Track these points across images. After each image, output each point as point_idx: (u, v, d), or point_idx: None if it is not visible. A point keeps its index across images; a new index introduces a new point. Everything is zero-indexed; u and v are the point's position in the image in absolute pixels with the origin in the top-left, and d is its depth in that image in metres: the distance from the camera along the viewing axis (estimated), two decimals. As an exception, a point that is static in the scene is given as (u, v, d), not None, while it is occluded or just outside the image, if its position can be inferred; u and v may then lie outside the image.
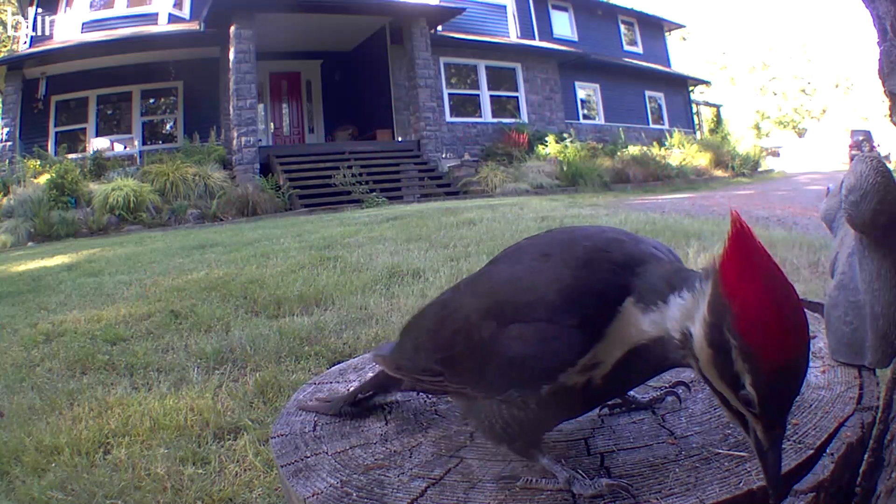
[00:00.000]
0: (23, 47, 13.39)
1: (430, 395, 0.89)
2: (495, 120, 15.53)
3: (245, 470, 1.71)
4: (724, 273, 0.48)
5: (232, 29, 11.87)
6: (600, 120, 17.88)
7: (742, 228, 0.47)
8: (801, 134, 36.62)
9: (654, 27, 20.76)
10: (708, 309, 0.49)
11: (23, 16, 13.71)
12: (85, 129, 13.22)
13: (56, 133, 13.01)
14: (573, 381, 0.58)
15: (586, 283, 0.59)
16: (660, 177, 14.78)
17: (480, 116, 15.63)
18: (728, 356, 0.48)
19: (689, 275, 0.54)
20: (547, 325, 0.58)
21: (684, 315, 0.52)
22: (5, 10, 17.11)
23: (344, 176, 11.71)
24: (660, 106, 19.61)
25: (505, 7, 16.64)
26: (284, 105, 15.76)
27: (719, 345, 0.49)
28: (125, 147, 12.93)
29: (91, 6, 13.60)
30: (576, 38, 17.97)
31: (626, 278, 0.58)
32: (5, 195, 10.55)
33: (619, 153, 15.33)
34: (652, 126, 18.74)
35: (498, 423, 0.67)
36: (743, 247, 0.47)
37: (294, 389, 1.31)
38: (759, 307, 0.46)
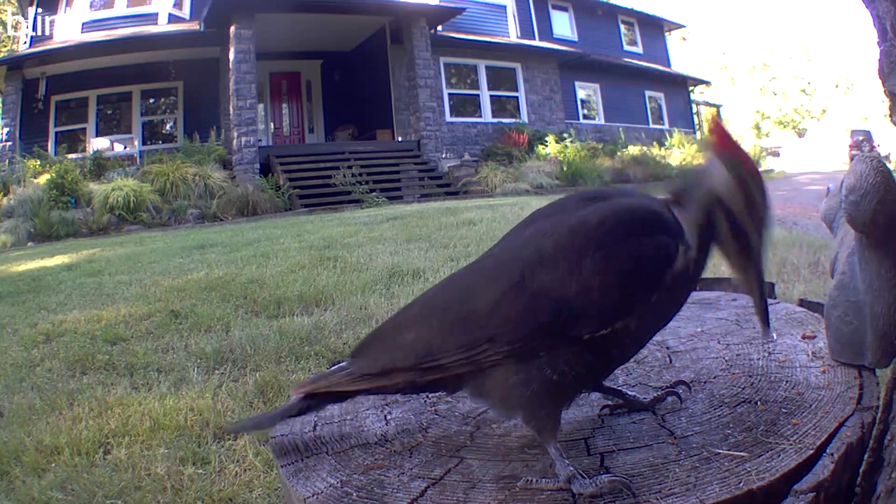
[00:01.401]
0: (23, 47, 13.39)
1: (417, 392, 0.82)
2: (495, 120, 15.52)
3: (245, 470, 1.71)
4: (725, 151, 0.71)
5: (232, 29, 11.87)
6: (600, 120, 17.87)
7: (720, 127, 0.72)
8: (801, 134, 36.63)
9: (654, 27, 20.75)
10: (725, 166, 0.70)
11: (23, 16, 13.71)
12: (85, 129, 13.21)
13: (56, 133, 13.00)
14: (677, 270, 0.69)
15: (651, 200, 0.73)
16: (660, 177, 14.76)
17: (480, 116, 15.63)
18: (744, 184, 0.70)
19: (685, 181, 0.74)
20: (643, 235, 0.68)
21: (708, 187, 0.71)
22: (5, 10, 17.12)
23: (344, 176, 11.70)
24: (660, 106, 19.60)
25: (505, 7, 16.63)
26: (284, 105, 15.75)
27: (741, 183, 0.70)
28: (125, 147, 12.92)
29: (91, 6, 13.60)
30: (576, 38, 17.96)
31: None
32: (5, 195, 10.54)
33: (619, 153, 15.34)
34: (652, 126, 18.73)
35: (536, 386, 0.68)
36: (727, 135, 0.71)
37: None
38: (749, 160, 0.71)
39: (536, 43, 16.61)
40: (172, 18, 13.74)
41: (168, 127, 14.30)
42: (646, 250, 0.68)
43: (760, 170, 0.74)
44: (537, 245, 0.70)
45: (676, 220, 0.70)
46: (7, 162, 11.69)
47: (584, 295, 0.66)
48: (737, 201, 0.71)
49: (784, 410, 0.74)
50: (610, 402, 0.82)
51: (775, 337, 0.82)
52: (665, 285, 0.68)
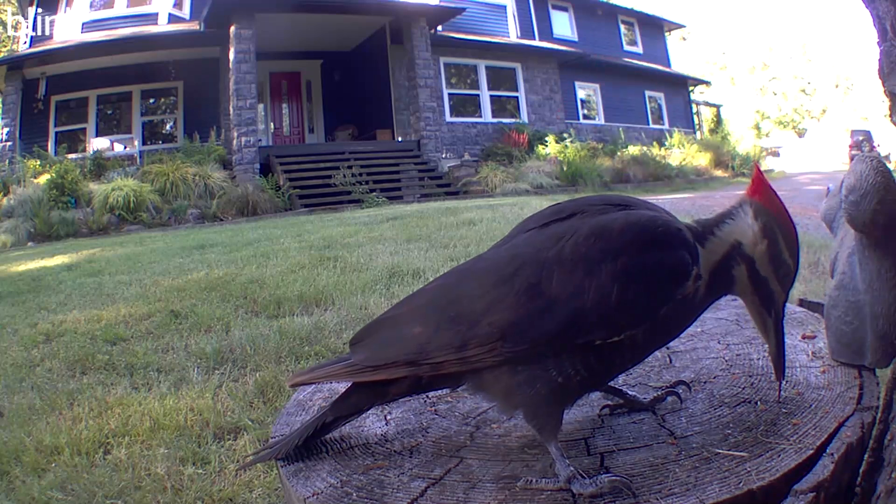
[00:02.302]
0: (23, 47, 13.39)
1: (429, 390, 0.82)
2: (495, 120, 15.52)
3: (245, 470, 1.71)
4: (761, 200, 0.71)
5: (232, 29, 11.87)
6: (600, 120, 17.87)
7: (760, 174, 0.73)
8: (801, 134, 36.63)
9: (654, 27, 20.75)
10: (754, 218, 0.71)
11: (23, 16, 13.71)
12: (85, 129, 13.21)
13: (56, 133, 13.00)
14: (687, 291, 0.69)
15: (675, 219, 0.72)
16: (660, 177, 14.78)
17: (480, 116, 15.63)
18: (776, 243, 0.70)
19: (710, 220, 0.74)
20: (664, 247, 0.69)
21: (731, 234, 0.72)
22: (5, 10, 17.12)
23: (344, 176, 11.71)
24: (660, 106, 19.60)
25: (505, 7, 16.63)
26: (284, 105, 15.75)
27: (770, 236, 0.70)
28: (125, 147, 12.92)
29: (91, 6, 13.60)
30: (576, 38, 17.96)
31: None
32: (5, 195, 10.54)
33: (619, 153, 15.33)
34: (652, 126, 18.74)
35: (540, 386, 0.68)
36: (766, 184, 0.72)
37: (294, 389, 1.31)
38: (786, 215, 0.71)
39: (536, 43, 16.61)
40: (172, 18, 13.74)
41: (168, 127, 14.30)
42: (667, 262, 0.68)
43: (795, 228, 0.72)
44: (556, 247, 0.69)
45: (695, 245, 0.70)
46: (7, 162, 11.70)
47: (602, 301, 0.66)
48: (760, 253, 0.70)
49: (784, 410, 0.74)
50: (610, 402, 0.82)
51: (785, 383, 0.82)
52: (677, 301, 0.68)
